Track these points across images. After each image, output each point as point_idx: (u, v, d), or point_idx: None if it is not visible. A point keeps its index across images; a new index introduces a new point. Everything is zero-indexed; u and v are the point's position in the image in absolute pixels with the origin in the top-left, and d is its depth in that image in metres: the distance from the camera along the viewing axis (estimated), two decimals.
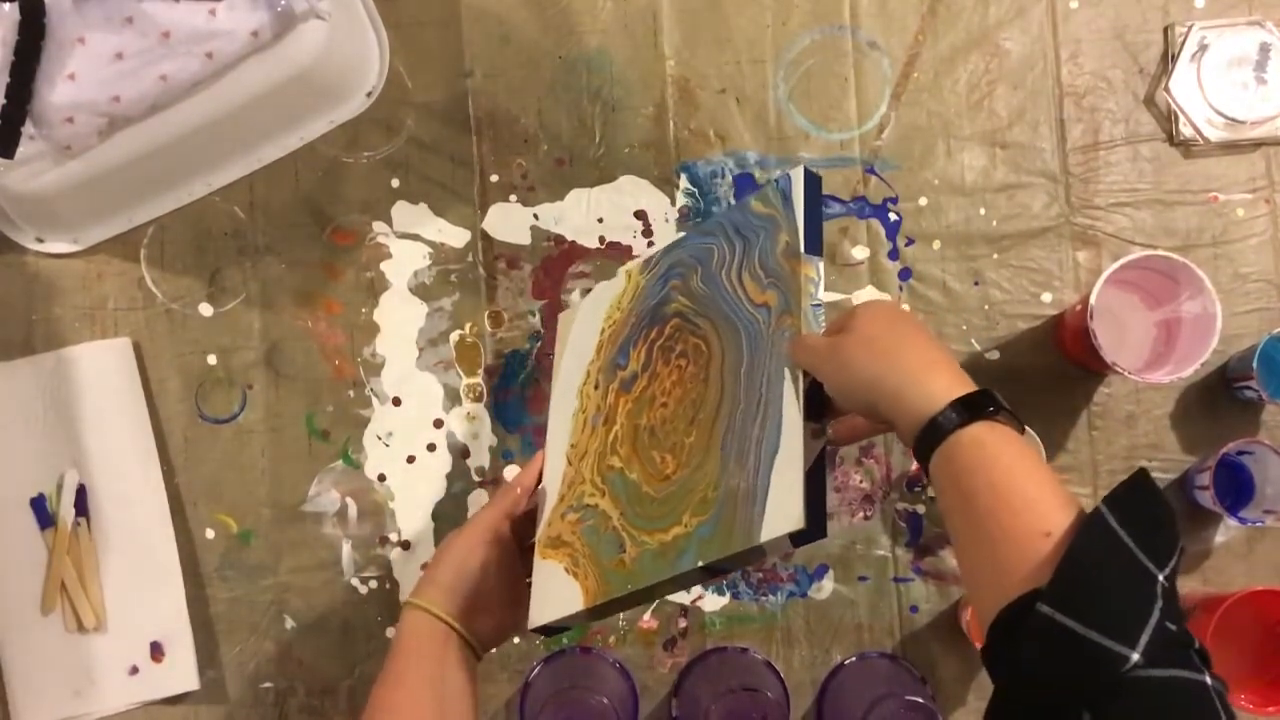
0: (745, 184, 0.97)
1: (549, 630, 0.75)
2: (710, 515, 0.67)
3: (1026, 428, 0.87)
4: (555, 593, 0.73)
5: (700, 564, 0.66)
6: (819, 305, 0.69)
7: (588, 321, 0.84)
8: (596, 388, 0.80)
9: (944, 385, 0.59)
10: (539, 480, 0.80)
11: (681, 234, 0.83)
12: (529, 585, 0.76)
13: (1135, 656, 0.48)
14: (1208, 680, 0.49)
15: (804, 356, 0.65)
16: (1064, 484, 0.56)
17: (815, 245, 0.71)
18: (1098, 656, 0.48)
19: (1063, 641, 0.49)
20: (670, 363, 0.75)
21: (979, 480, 0.56)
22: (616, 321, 0.81)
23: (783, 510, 0.63)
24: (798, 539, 0.62)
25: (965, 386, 0.59)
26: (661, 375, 0.75)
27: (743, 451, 0.67)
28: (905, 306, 0.96)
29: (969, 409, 0.57)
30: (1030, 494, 0.55)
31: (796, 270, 0.70)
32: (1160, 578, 0.51)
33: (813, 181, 0.73)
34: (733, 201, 0.97)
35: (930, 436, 0.58)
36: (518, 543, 0.77)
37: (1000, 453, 0.56)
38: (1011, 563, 0.53)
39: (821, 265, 0.70)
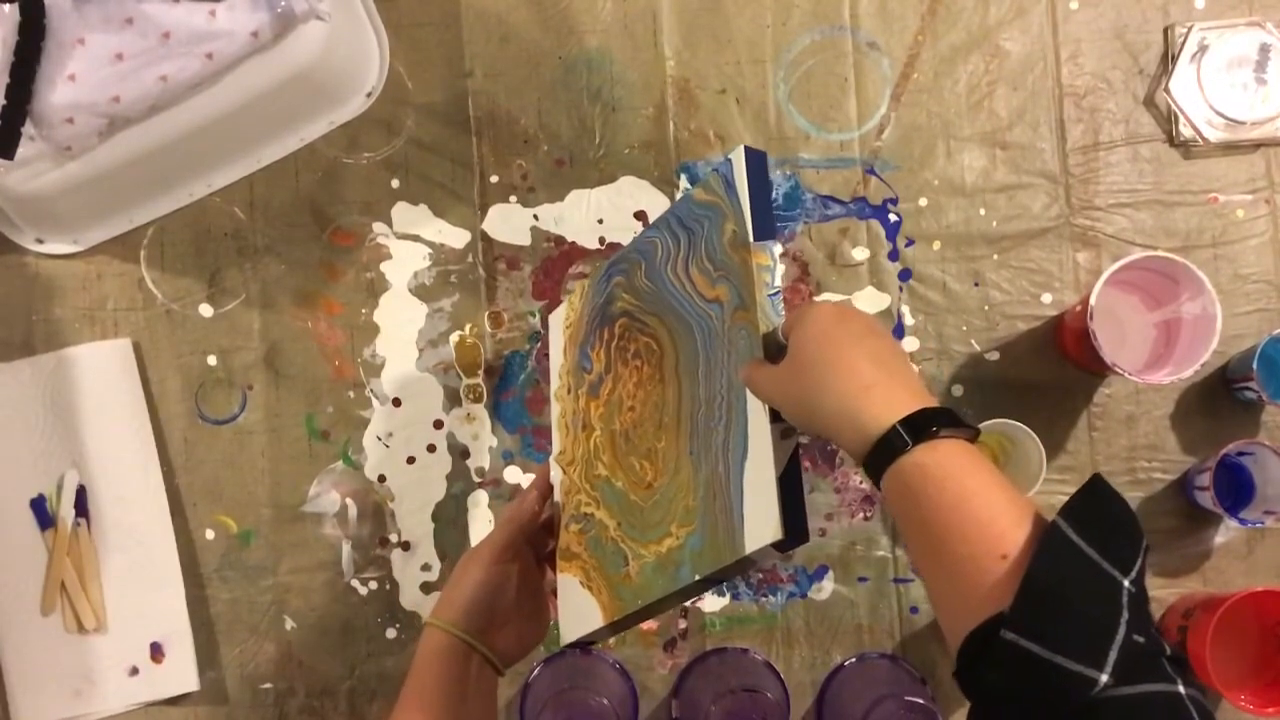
0: None
1: (580, 644, 0.75)
2: (696, 526, 0.66)
3: (1026, 429, 0.88)
4: (578, 608, 0.73)
5: (697, 577, 0.65)
6: (776, 293, 0.65)
7: (557, 325, 0.84)
8: (569, 392, 0.79)
9: (881, 409, 0.55)
10: (551, 490, 0.79)
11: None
12: (549, 596, 0.77)
13: (1104, 678, 0.47)
14: (1181, 690, 0.47)
15: (759, 389, 0.63)
16: (1018, 494, 0.53)
17: (766, 229, 0.66)
18: (1066, 681, 0.47)
19: (1029, 667, 0.48)
20: (628, 364, 0.73)
21: (927, 508, 0.54)
22: (573, 323, 0.81)
23: (761, 521, 0.61)
24: (781, 546, 0.60)
25: (906, 404, 0.55)
26: (623, 378, 0.74)
27: (711, 457, 0.65)
28: (899, 300, 0.96)
29: (910, 431, 0.55)
30: (982, 515, 0.52)
31: (746, 260, 0.65)
32: (1126, 584, 0.50)
33: (756, 160, 0.67)
34: None
35: (873, 466, 0.56)
36: (535, 553, 0.77)
37: (946, 476, 0.54)
38: (971, 587, 0.51)
39: (776, 249, 0.66)
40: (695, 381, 0.68)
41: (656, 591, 0.68)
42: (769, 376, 0.61)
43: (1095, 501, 0.53)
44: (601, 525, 0.73)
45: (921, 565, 0.56)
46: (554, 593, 0.77)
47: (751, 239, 0.65)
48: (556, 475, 0.79)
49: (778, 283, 0.65)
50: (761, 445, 0.62)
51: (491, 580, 0.73)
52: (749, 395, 0.63)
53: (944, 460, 0.54)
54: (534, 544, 0.77)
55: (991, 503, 0.53)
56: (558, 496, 0.78)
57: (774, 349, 0.64)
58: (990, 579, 0.51)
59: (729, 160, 0.68)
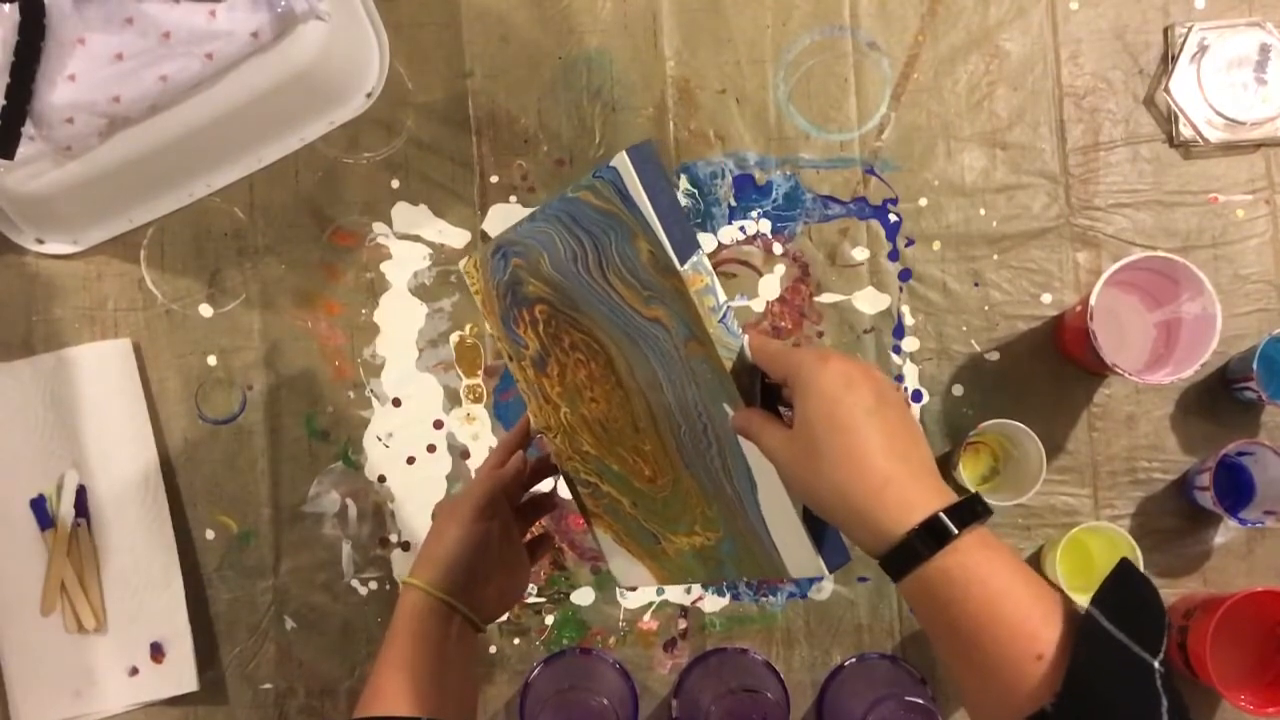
0: (745, 184, 0.97)
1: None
2: (724, 535, 0.65)
3: (1026, 429, 0.88)
4: (622, 557, 0.74)
5: (744, 580, 0.65)
6: (725, 312, 0.59)
7: (466, 278, 0.76)
8: (511, 359, 0.74)
9: (897, 512, 0.53)
10: (528, 442, 0.77)
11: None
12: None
13: None
14: None
15: (758, 445, 0.59)
16: (1041, 583, 0.53)
17: (686, 242, 0.58)
18: None
19: None
20: (569, 354, 0.69)
21: (955, 613, 0.52)
22: (480, 290, 0.73)
23: (799, 558, 0.61)
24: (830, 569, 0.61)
25: (922, 504, 0.53)
26: (569, 366, 0.69)
27: (714, 477, 0.64)
28: (899, 300, 0.96)
29: (930, 533, 0.52)
30: (1014, 617, 0.51)
31: (680, 288, 0.59)
32: (1156, 665, 0.50)
33: (645, 159, 0.58)
34: (733, 203, 0.97)
35: (893, 571, 0.54)
36: (511, 504, 0.76)
37: (971, 580, 0.52)
38: (1008, 688, 0.51)
39: (706, 260, 0.59)
40: (665, 404, 0.64)
41: (702, 577, 0.69)
42: (769, 444, 0.58)
43: (1124, 586, 0.53)
44: (613, 498, 0.72)
45: (950, 664, 0.54)
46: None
47: (677, 264, 0.58)
48: (537, 435, 0.77)
49: (721, 297, 0.59)
50: (771, 482, 0.60)
51: (472, 538, 0.71)
52: (741, 439, 0.61)
53: (967, 561, 0.52)
54: (510, 496, 0.75)
55: (1020, 602, 0.52)
56: (552, 458, 0.76)
57: (746, 377, 0.60)
58: (1028, 681, 0.50)
59: (613, 167, 0.58)
